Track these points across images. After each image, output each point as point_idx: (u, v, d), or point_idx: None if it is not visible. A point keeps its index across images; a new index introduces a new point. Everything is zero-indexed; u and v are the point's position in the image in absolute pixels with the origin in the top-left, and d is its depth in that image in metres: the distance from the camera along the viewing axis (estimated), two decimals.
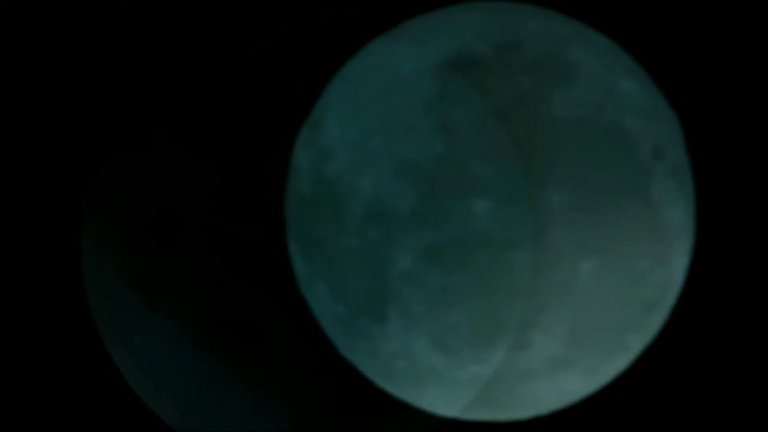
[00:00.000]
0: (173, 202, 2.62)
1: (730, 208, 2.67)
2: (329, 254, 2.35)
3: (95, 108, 2.69)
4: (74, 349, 2.75)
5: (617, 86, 2.33)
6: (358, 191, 2.27)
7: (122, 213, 2.64)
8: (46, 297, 2.75)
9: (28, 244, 2.75)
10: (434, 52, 2.31)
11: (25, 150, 2.75)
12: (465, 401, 2.43)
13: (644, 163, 2.29)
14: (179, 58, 2.65)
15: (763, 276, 2.67)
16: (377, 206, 2.25)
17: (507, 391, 2.38)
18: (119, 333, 2.69)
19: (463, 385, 2.37)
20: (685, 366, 2.69)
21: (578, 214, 2.20)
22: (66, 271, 2.72)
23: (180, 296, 2.64)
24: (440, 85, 2.26)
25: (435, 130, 2.22)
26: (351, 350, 2.48)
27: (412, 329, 2.30)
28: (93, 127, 2.71)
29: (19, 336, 2.76)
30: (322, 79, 2.48)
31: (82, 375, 2.76)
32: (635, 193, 2.27)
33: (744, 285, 2.67)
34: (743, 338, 2.68)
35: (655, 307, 2.38)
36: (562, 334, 2.27)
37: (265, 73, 2.61)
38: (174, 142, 2.62)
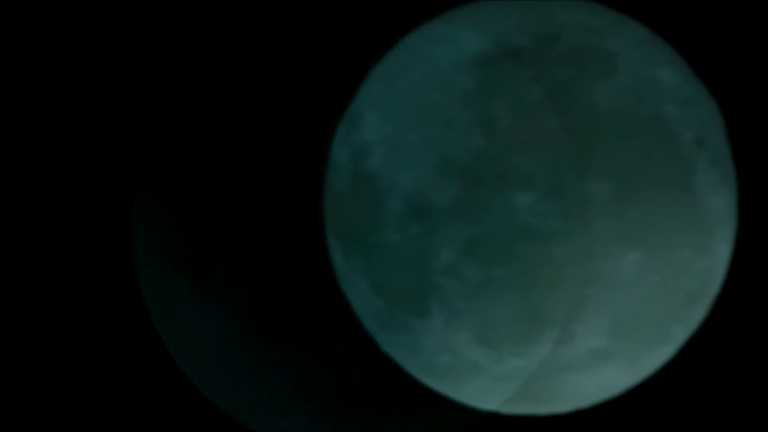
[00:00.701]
0: (217, 198, 2.63)
1: None
2: (369, 250, 2.35)
3: (143, 105, 2.71)
4: (125, 332, 2.77)
5: (657, 76, 2.31)
6: (397, 187, 2.27)
7: (170, 204, 2.66)
8: (99, 282, 2.77)
9: (82, 232, 2.77)
10: (472, 45, 2.30)
11: (74, 143, 2.77)
12: (506, 395, 2.42)
13: (686, 153, 2.27)
14: (215, 57, 2.66)
15: None
16: (417, 201, 2.24)
17: (548, 384, 2.37)
18: (168, 315, 2.71)
19: (504, 379, 2.36)
20: (729, 356, 2.67)
21: (620, 206, 2.19)
22: (118, 260, 2.75)
23: (223, 288, 2.66)
24: (478, 79, 2.25)
25: (474, 123, 2.21)
26: (391, 345, 2.48)
27: (454, 323, 2.29)
28: (141, 122, 2.72)
29: (70, 321, 2.79)
30: (359, 74, 2.48)
31: (132, 356, 2.78)
32: (677, 183, 2.25)
33: None
34: None
35: (697, 297, 2.36)
36: (604, 326, 2.26)
37: (302, 70, 2.61)
38: (216, 138, 2.63)
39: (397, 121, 2.31)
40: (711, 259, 2.35)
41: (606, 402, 2.51)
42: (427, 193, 2.24)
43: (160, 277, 2.69)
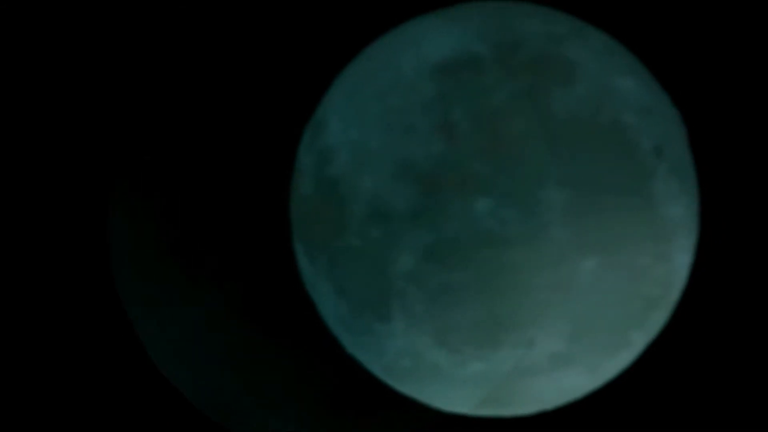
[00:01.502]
0: (181, 204, 2.66)
1: (733, 205, 2.67)
2: (332, 254, 2.37)
3: (103, 108, 2.73)
4: (101, 326, 2.78)
5: (617, 84, 2.33)
6: (359, 191, 2.30)
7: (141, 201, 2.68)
8: (75, 275, 2.79)
9: (57, 223, 2.78)
10: (434, 53, 2.33)
11: (50, 135, 2.78)
12: (468, 398, 2.44)
13: (645, 161, 2.29)
14: (184, 61, 2.68)
15: (765, 272, 2.67)
16: (378, 206, 2.27)
17: (510, 388, 2.39)
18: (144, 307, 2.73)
19: (466, 382, 2.38)
20: (688, 363, 2.70)
21: (578, 213, 2.21)
22: (94, 250, 2.76)
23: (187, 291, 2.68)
24: (439, 86, 2.27)
25: (434, 129, 2.24)
26: (356, 348, 2.51)
27: (415, 327, 2.32)
28: (105, 126, 2.74)
29: (44, 313, 2.81)
30: (325, 80, 2.50)
31: (106, 348, 2.80)
32: (636, 191, 2.27)
33: (746, 282, 2.67)
34: (745, 335, 2.68)
35: (657, 304, 2.38)
36: (564, 331, 2.28)
37: (268, 75, 2.64)
38: (179, 142, 2.65)
39: (361, 127, 2.33)
40: (670, 267, 2.37)
41: (567, 405, 2.53)
42: (387, 198, 2.26)
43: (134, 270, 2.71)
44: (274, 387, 2.73)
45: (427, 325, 2.30)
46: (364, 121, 2.33)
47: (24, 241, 2.77)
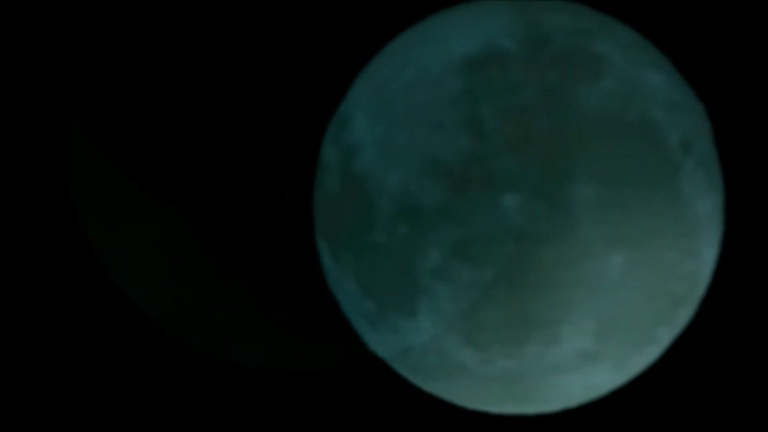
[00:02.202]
0: (205, 200, 2.64)
1: (759, 200, 2.66)
2: (358, 251, 2.36)
3: (126, 105, 2.71)
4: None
5: (644, 79, 2.32)
6: (385, 188, 2.28)
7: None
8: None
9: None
10: (460, 49, 2.31)
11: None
12: (495, 396, 2.43)
13: (672, 156, 2.29)
14: (209, 56, 2.66)
15: None
16: (405, 203, 2.26)
17: (536, 385, 2.38)
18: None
19: (492, 379, 2.37)
20: (714, 358, 2.69)
21: (606, 208, 2.20)
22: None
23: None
24: (466, 81, 2.26)
25: (462, 126, 2.23)
26: (381, 346, 2.50)
27: (442, 325, 2.30)
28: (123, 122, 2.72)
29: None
30: (349, 74, 2.49)
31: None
32: (663, 186, 2.26)
33: None
34: None
35: (683, 299, 2.38)
36: (590, 327, 2.27)
37: (292, 69, 2.62)
38: (203, 138, 2.64)
39: (387, 122, 2.32)
40: (697, 262, 2.36)
41: (593, 402, 2.53)
42: (415, 194, 2.25)
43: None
44: (296, 385, 2.72)
45: (454, 322, 2.29)
46: (390, 117, 2.31)
47: None
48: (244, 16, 2.65)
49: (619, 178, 2.21)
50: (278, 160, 2.64)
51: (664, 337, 2.42)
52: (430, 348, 2.36)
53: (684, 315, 2.43)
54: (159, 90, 2.67)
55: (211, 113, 2.65)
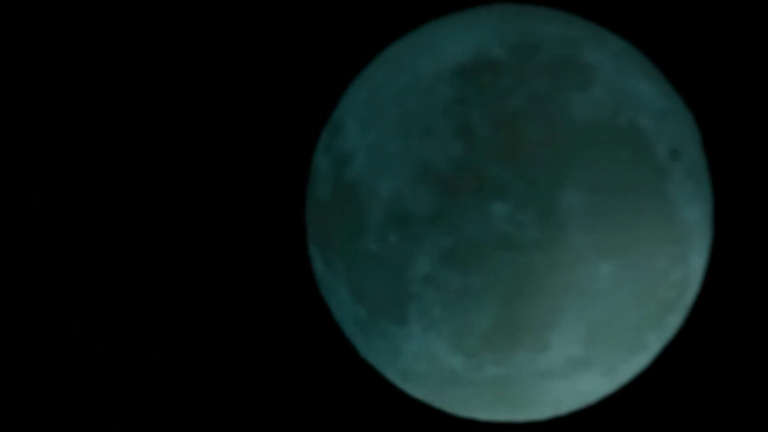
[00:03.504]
0: (197, 206, 2.65)
1: (748, 207, 2.67)
2: (349, 257, 2.37)
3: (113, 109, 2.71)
4: None
5: (633, 88, 2.33)
6: (377, 195, 2.29)
7: None
8: None
9: None
10: (452, 56, 2.33)
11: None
12: (485, 402, 2.44)
13: (661, 164, 2.30)
14: (202, 61, 2.68)
15: None
16: (397, 210, 2.27)
17: (526, 391, 2.39)
18: None
19: (482, 386, 2.38)
20: (705, 365, 2.70)
21: (595, 216, 2.21)
22: None
23: None
24: (458, 89, 2.28)
25: (453, 133, 2.24)
26: (371, 352, 2.50)
27: (432, 331, 2.31)
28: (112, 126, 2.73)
29: None
30: (342, 82, 2.51)
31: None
32: (652, 194, 2.27)
33: (762, 283, 2.68)
34: (760, 337, 2.69)
35: (673, 306, 2.39)
36: (580, 334, 2.28)
37: (285, 76, 2.64)
38: (195, 144, 2.65)
39: (379, 130, 2.33)
40: (686, 269, 2.38)
41: (583, 409, 2.54)
42: (406, 202, 2.26)
43: None
44: (287, 391, 2.73)
45: (444, 328, 2.30)
46: (383, 124, 2.33)
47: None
48: (239, 22, 2.67)
49: (608, 186, 2.23)
50: (272, 166, 2.66)
51: (654, 344, 2.43)
52: (421, 354, 2.37)
53: (674, 322, 2.44)
54: (152, 94, 2.68)
55: (205, 120, 2.66)
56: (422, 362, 2.39)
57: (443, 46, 2.37)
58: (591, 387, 2.43)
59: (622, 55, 2.40)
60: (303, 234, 2.54)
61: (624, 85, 2.32)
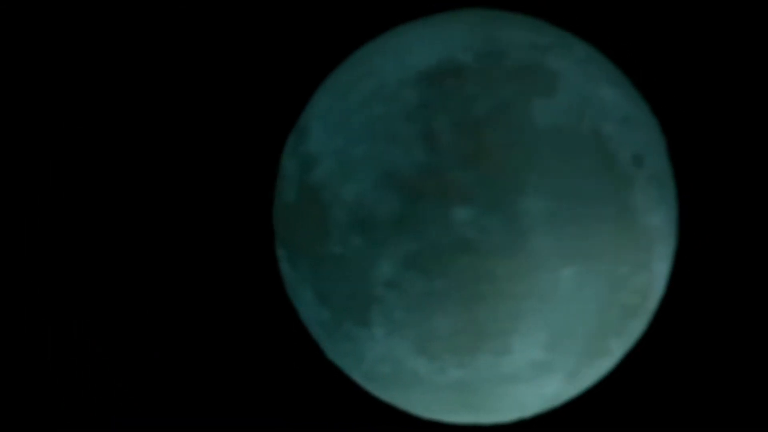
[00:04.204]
0: (163, 208, 2.66)
1: (713, 214, 2.69)
2: (314, 260, 2.38)
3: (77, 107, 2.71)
4: None
5: (598, 94, 2.34)
6: (341, 199, 2.30)
7: None
8: None
9: None
10: (417, 61, 2.34)
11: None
12: (448, 405, 2.45)
13: (624, 170, 2.31)
14: (169, 64, 2.68)
15: (743, 281, 2.69)
16: (360, 214, 2.28)
17: (489, 395, 2.40)
18: None
19: (445, 388, 2.40)
20: (666, 370, 2.72)
21: (558, 221, 2.22)
22: None
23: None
24: (422, 94, 2.28)
25: (417, 138, 2.25)
26: (336, 354, 2.52)
27: (395, 334, 2.33)
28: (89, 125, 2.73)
29: None
30: (309, 86, 2.51)
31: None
32: (615, 200, 2.28)
33: (725, 290, 2.69)
34: (723, 343, 2.70)
35: (635, 312, 2.40)
36: (542, 339, 2.30)
37: (252, 80, 2.64)
38: (163, 146, 2.66)
39: (344, 134, 2.34)
40: (649, 275, 2.39)
41: (547, 413, 2.55)
42: (370, 206, 2.27)
43: None
44: (253, 391, 2.74)
45: (407, 331, 2.31)
46: (348, 129, 2.34)
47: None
48: (207, 26, 2.67)
49: (571, 192, 2.24)
50: (241, 169, 2.67)
51: (616, 350, 2.45)
52: (384, 357, 2.39)
53: (636, 327, 2.46)
54: (123, 94, 2.69)
55: (174, 123, 2.67)
56: (386, 365, 2.40)
57: (409, 51, 2.38)
58: (554, 391, 2.45)
59: (589, 61, 2.41)
60: (271, 236, 2.55)
61: (589, 92, 2.33)
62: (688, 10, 2.68)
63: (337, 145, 2.34)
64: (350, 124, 2.34)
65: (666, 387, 2.73)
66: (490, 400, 2.42)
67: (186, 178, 2.64)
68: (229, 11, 2.63)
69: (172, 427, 2.77)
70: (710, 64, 2.69)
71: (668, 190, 2.44)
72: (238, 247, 2.66)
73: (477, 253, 2.22)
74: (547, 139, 2.24)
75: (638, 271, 2.34)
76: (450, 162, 2.23)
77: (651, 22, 2.68)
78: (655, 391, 2.73)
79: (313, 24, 2.64)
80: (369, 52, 2.49)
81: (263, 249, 2.60)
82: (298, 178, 2.42)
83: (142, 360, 2.74)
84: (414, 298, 2.27)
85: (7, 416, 2.77)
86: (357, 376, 2.54)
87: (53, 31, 2.73)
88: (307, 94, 2.51)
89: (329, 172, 2.34)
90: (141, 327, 2.72)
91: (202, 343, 2.70)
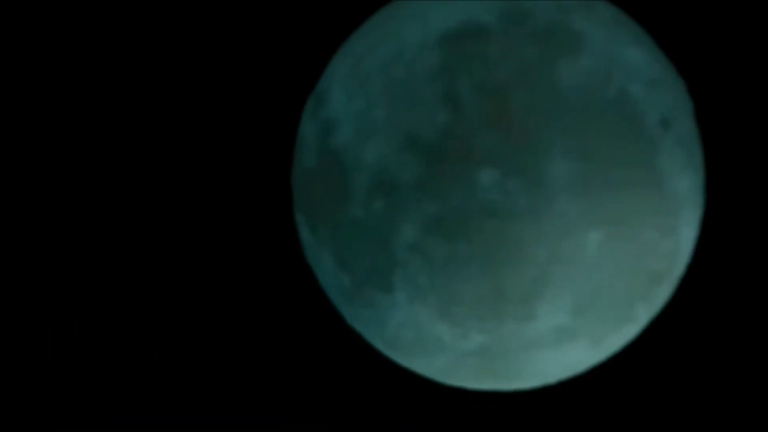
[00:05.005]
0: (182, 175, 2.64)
1: (740, 178, 2.65)
2: (334, 225, 2.35)
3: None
4: None
5: (623, 55, 2.30)
6: (362, 163, 2.27)
7: None
8: None
9: None
10: (439, 23, 2.30)
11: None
12: (471, 371, 2.43)
13: (651, 133, 2.27)
14: (185, 31, 2.65)
15: None
16: (382, 177, 2.25)
17: (513, 361, 2.38)
18: None
19: (468, 355, 2.37)
20: (692, 337, 2.69)
21: (584, 185, 2.19)
22: None
23: None
24: (444, 56, 2.24)
25: (439, 101, 2.21)
26: (357, 320, 2.50)
27: (418, 299, 2.30)
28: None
29: None
30: (327, 50, 2.48)
31: None
32: (642, 164, 2.25)
33: (752, 255, 2.66)
34: (751, 310, 2.68)
35: (662, 277, 2.37)
36: (567, 304, 2.27)
37: (270, 45, 2.61)
38: (179, 115, 2.63)
39: (364, 98, 2.31)
40: (676, 241, 2.36)
41: (571, 380, 2.53)
42: (392, 170, 2.24)
43: None
44: (274, 359, 2.72)
45: (430, 297, 2.29)
46: (368, 93, 2.30)
47: None
48: None
49: (597, 156, 2.20)
50: (258, 135, 2.64)
51: (642, 316, 2.42)
52: (406, 323, 2.36)
53: (662, 293, 2.43)
54: (135, 69, 2.66)
55: (191, 92, 2.64)
56: (408, 331, 2.38)
57: (430, 13, 2.33)
58: (578, 357, 2.42)
59: (613, 22, 2.37)
60: (290, 203, 2.53)
61: (614, 53, 2.29)
62: None
63: (357, 108, 2.31)
64: (370, 87, 2.31)
65: (690, 354, 2.70)
66: (512, 366, 2.40)
67: (203, 146, 2.62)
68: None
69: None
70: (738, 26, 2.64)
71: (695, 154, 2.40)
72: (256, 213, 2.64)
73: (501, 217, 2.19)
74: (572, 101, 2.20)
75: (665, 237, 2.31)
76: (473, 125, 2.19)
77: None
78: (679, 358, 2.71)
79: None
80: (388, 15, 2.45)
81: (282, 215, 2.57)
82: (317, 142, 2.39)
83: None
84: (437, 263, 2.24)
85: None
86: (378, 343, 2.52)
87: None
88: (326, 59, 2.48)
89: (350, 135, 2.31)
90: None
91: (224, 315, 2.68)
